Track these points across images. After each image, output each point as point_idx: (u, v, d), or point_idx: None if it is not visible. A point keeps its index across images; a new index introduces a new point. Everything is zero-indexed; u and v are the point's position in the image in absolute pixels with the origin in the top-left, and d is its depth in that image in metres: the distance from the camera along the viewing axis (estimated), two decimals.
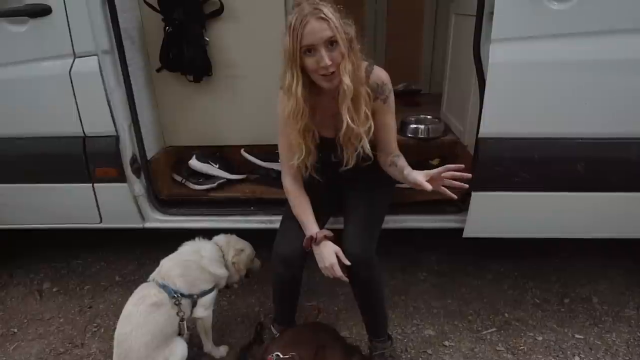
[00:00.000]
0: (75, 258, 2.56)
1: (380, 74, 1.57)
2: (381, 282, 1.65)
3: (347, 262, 1.50)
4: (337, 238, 1.58)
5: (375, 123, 1.55)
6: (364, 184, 1.74)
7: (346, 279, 1.52)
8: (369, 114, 1.51)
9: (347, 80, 1.40)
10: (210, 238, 1.81)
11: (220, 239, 1.82)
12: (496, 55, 1.58)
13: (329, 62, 1.36)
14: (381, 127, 1.59)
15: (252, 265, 1.89)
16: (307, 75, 1.44)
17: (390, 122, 1.62)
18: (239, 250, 1.81)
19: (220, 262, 1.75)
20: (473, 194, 1.79)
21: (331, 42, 1.36)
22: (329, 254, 1.51)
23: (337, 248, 1.52)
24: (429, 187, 1.37)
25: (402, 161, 1.58)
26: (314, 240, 1.53)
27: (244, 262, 1.82)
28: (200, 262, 1.68)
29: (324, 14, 1.33)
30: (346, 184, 1.77)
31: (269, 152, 2.20)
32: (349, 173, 1.63)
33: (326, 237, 1.55)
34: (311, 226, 1.58)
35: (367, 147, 1.53)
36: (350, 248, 1.53)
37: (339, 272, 1.49)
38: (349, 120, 1.46)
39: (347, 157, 1.58)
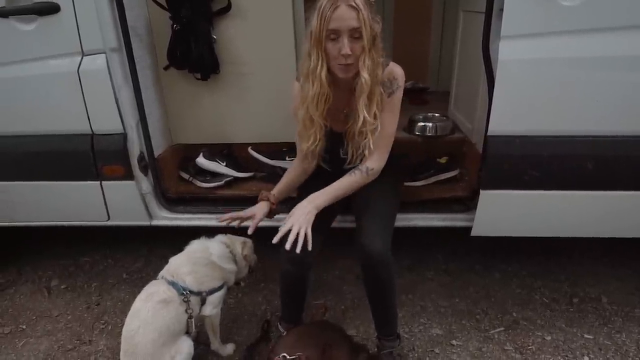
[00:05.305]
0: (82, 255, 2.57)
1: (394, 69, 1.56)
2: (395, 281, 1.61)
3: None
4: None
5: None
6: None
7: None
8: (378, 114, 1.50)
9: (365, 75, 1.40)
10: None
11: (222, 237, 1.82)
12: (505, 52, 1.56)
13: (349, 52, 1.36)
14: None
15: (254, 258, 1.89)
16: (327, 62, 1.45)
17: (385, 121, 1.54)
18: (243, 242, 1.82)
19: (229, 258, 1.75)
20: (481, 192, 1.77)
21: (355, 33, 1.36)
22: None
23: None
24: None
25: (344, 180, 1.56)
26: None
27: (252, 253, 1.84)
28: (209, 259, 1.69)
29: (356, 3, 1.34)
30: None
31: (276, 150, 2.20)
32: None
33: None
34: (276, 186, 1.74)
35: (370, 146, 1.52)
36: (370, 244, 1.47)
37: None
38: (366, 115, 1.46)
39: (352, 152, 1.57)
